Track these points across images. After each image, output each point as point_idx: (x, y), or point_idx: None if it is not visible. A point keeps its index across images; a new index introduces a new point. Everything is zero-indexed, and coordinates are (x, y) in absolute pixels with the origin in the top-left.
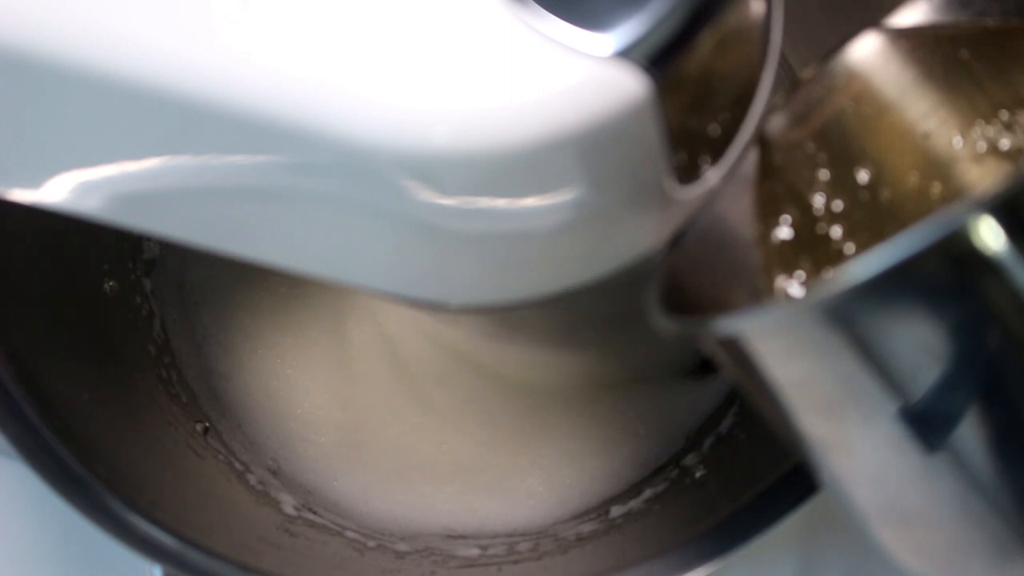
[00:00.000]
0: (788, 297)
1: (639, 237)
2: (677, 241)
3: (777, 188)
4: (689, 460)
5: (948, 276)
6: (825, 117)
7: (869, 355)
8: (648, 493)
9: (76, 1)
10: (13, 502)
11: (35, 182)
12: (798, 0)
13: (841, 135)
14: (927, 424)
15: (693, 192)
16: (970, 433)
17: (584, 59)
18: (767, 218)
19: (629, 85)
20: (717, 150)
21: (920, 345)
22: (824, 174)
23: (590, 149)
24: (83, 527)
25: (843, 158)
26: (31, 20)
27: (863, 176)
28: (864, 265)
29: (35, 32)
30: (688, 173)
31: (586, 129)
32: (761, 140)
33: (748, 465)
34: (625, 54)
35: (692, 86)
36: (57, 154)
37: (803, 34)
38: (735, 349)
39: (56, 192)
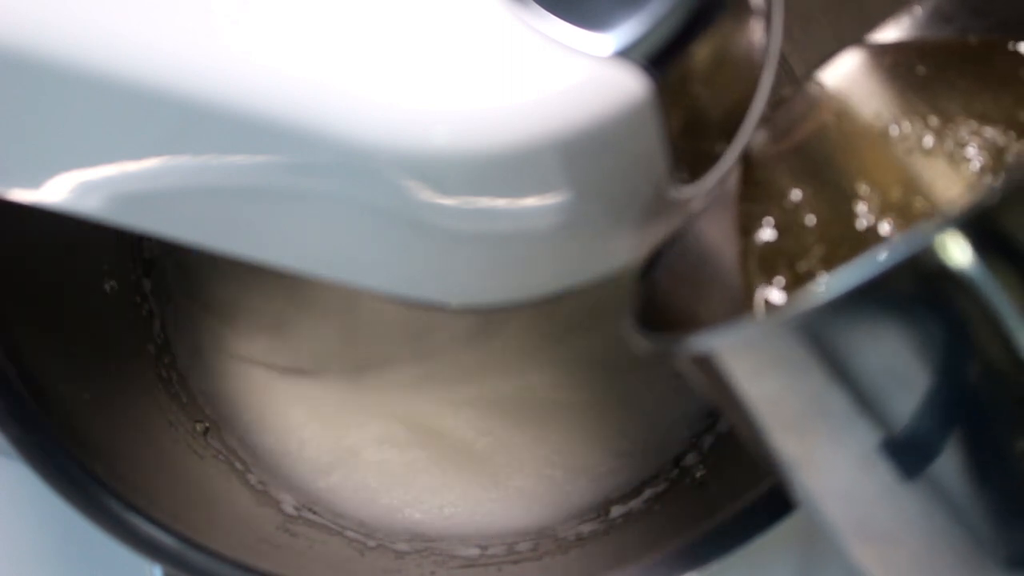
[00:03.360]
0: (767, 308)
1: (638, 236)
2: (657, 258)
3: (758, 203)
4: (689, 460)
5: (918, 294)
6: (808, 132)
7: (840, 373)
8: (648, 493)
9: (76, 1)
10: (13, 502)
11: (35, 182)
12: (798, 0)
13: (824, 150)
14: (896, 443)
15: (692, 192)
16: (940, 452)
17: (584, 59)
18: (747, 232)
19: (629, 85)
20: (717, 150)
21: (891, 363)
22: (806, 189)
23: (590, 148)
24: (83, 527)
25: (825, 173)
26: (31, 20)
27: (845, 190)
28: (833, 283)
29: (35, 32)
30: (688, 173)
31: (586, 129)
32: (743, 156)
33: (748, 465)
34: (625, 54)
35: (692, 86)
36: (57, 154)
37: (803, 34)
38: (708, 366)
39: (56, 192)
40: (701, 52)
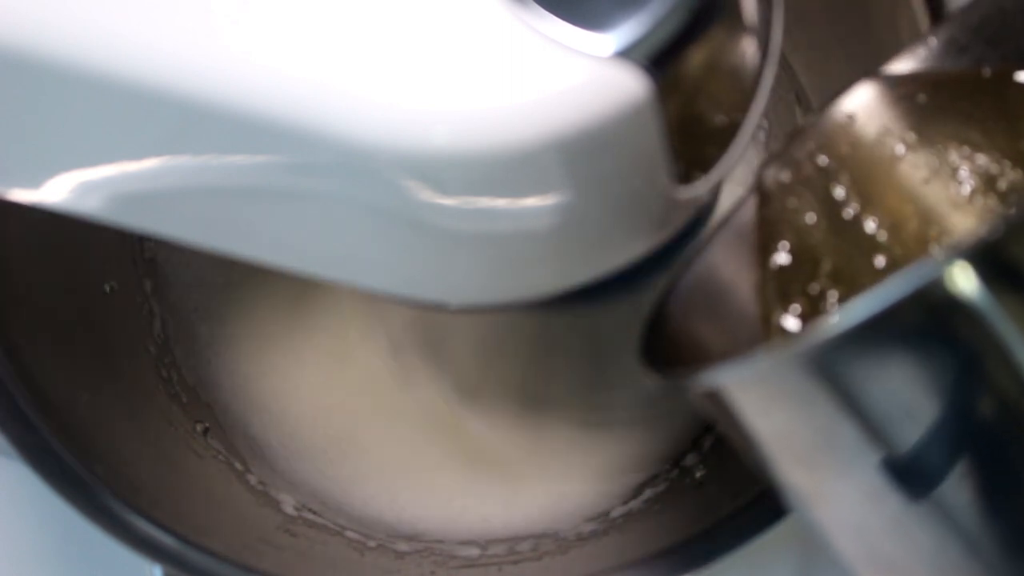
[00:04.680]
0: (782, 339)
1: (638, 236)
2: (670, 290)
3: (775, 236)
4: (689, 460)
5: (926, 326)
6: (823, 165)
7: (850, 406)
8: (648, 493)
9: (76, 1)
10: (13, 502)
11: (35, 182)
12: (798, 0)
13: (839, 182)
14: (906, 475)
15: (692, 192)
16: (950, 484)
17: (584, 59)
18: (764, 264)
19: (629, 85)
20: (718, 150)
21: (900, 396)
22: (822, 221)
23: (591, 148)
24: (83, 527)
25: (841, 205)
26: (31, 20)
27: (862, 223)
28: (841, 317)
29: (35, 32)
30: (688, 173)
31: (587, 128)
32: (759, 189)
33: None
34: (625, 54)
35: (692, 86)
36: (57, 154)
37: (803, 35)
38: (717, 401)
39: (56, 192)
40: (702, 52)
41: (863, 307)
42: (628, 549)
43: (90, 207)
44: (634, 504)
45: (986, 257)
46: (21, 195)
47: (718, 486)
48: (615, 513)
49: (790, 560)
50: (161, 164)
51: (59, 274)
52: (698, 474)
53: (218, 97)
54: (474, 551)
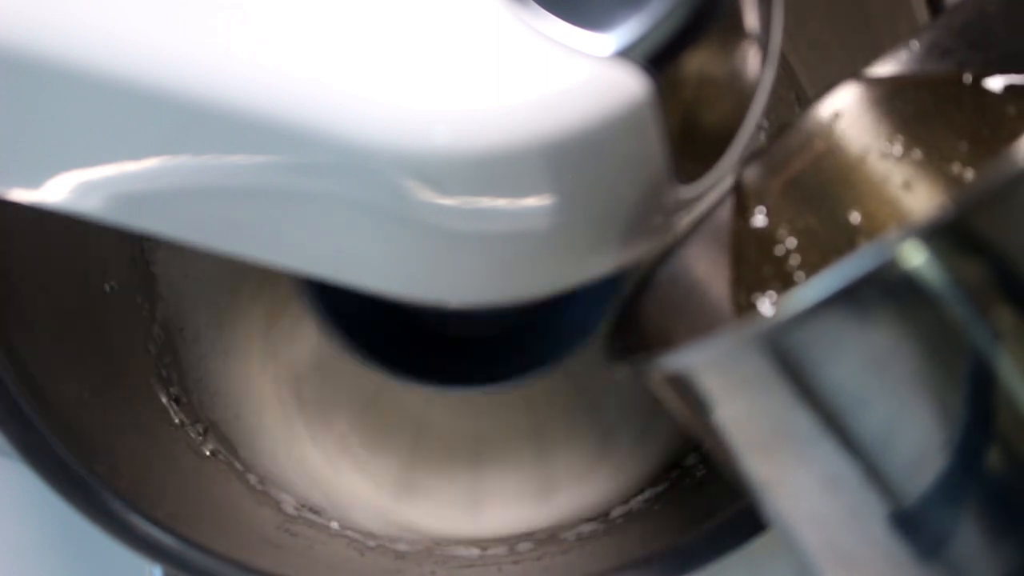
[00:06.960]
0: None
1: (638, 236)
2: (644, 285)
3: (751, 235)
4: (689, 460)
5: (883, 308)
6: (804, 167)
7: (809, 392)
8: (648, 493)
9: (76, 1)
10: (13, 502)
11: (35, 182)
12: (798, 0)
13: (819, 185)
14: (862, 462)
15: (692, 192)
16: (906, 472)
17: (584, 59)
18: (739, 263)
19: (629, 85)
20: (717, 150)
21: (857, 382)
22: (801, 223)
23: (590, 148)
24: (83, 527)
25: (821, 208)
26: (31, 20)
27: (840, 224)
28: (797, 296)
29: (35, 32)
30: (687, 173)
31: (586, 128)
32: (737, 189)
33: None
34: (625, 54)
35: (692, 86)
36: (57, 154)
37: (803, 35)
38: (681, 387)
39: (56, 192)
40: (702, 52)
41: (818, 287)
42: (628, 549)
43: (90, 207)
44: (634, 504)
45: (942, 236)
46: (21, 195)
47: (718, 486)
48: (615, 513)
49: (790, 560)
50: (161, 164)
51: (59, 274)
52: (698, 474)
53: (218, 97)
54: (474, 551)
